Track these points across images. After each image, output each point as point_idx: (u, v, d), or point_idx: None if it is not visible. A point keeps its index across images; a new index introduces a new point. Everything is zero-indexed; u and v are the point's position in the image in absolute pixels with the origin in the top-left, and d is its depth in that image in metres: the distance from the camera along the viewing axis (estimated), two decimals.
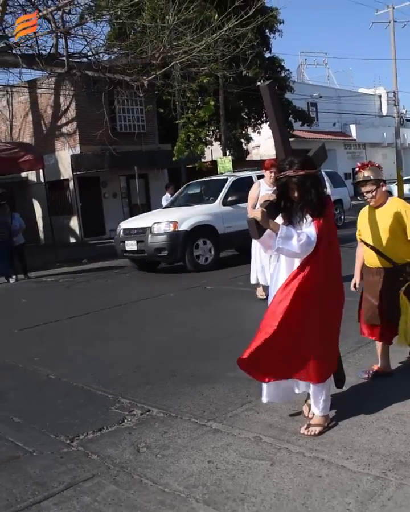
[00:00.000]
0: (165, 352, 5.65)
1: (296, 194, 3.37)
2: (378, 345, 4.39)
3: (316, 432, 3.48)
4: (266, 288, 7.79)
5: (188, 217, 11.31)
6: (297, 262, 3.42)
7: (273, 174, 7.58)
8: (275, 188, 7.56)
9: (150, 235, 11.10)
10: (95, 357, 5.71)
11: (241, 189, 11.51)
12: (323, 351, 3.43)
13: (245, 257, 11.43)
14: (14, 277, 12.28)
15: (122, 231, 12.06)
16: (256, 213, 3.28)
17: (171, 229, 11.00)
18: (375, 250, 4.14)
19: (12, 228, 12.33)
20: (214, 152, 26.82)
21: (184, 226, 11.02)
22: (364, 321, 4.33)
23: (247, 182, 11.80)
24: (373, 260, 4.24)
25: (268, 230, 3.33)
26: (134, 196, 21.84)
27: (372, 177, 4.07)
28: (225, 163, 20.30)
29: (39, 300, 9.70)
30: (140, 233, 11.41)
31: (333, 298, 3.48)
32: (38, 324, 7.41)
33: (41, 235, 21.58)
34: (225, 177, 12.50)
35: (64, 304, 8.97)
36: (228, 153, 22.39)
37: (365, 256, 4.34)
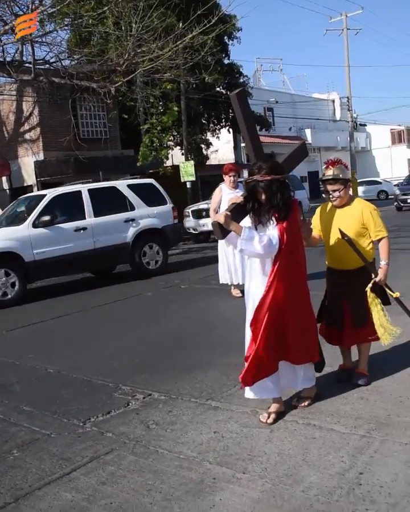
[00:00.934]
0: (156, 346, 6.03)
1: (263, 198, 3.58)
2: (341, 349, 4.46)
3: (306, 404, 3.94)
4: (238, 286, 8.25)
5: None
6: (268, 260, 3.67)
7: (232, 178, 7.99)
8: (236, 190, 8.03)
9: None
10: (87, 353, 6.05)
11: (64, 206, 10.40)
12: (302, 340, 3.77)
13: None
14: None
15: None
16: (219, 217, 3.51)
17: None
18: (352, 245, 4.02)
19: None
20: (174, 157, 27.24)
21: None
22: (325, 325, 4.34)
23: (73, 199, 10.47)
24: (339, 263, 4.20)
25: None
26: None
27: (341, 175, 4.06)
28: (188, 168, 20.75)
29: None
30: None
31: (301, 295, 3.77)
32: (24, 325, 7.69)
33: None
34: (44, 193, 10.73)
35: (44, 306, 9.24)
36: (189, 158, 22.83)
37: (330, 259, 4.28)
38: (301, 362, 3.84)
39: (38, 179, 20.68)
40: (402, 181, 28.16)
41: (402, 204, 23.78)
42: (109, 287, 10.46)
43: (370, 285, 4.06)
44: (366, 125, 45.40)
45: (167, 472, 3.21)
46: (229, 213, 3.53)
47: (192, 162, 21.13)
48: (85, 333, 7.05)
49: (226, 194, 8.01)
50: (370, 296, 4.07)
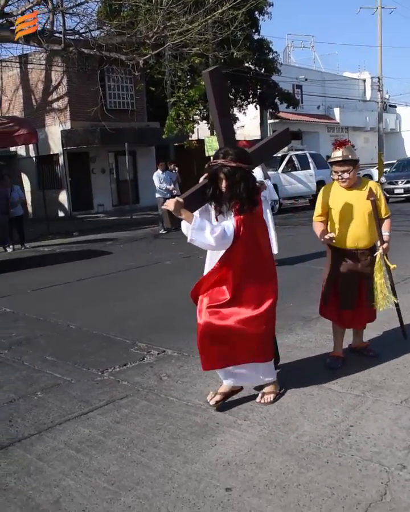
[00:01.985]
0: (172, 309, 6.37)
1: (224, 185, 3.35)
2: (339, 331, 4.38)
3: (271, 399, 3.69)
4: None
5: None
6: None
7: None
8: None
9: None
10: (107, 312, 6.40)
11: None
12: (251, 339, 3.46)
13: None
14: (11, 246, 12.87)
15: None
16: (169, 203, 3.26)
17: None
18: (375, 208, 4.00)
19: (11, 200, 12.86)
20: (200, 130, 27.36)
21: None
22: (336, 307, 4.25)
23: None
24: (356, 242, 4.13)
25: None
26: (121, 172, 22.40)
27: (350, 156, 4.01)
28: (213, 142, 20.84)
29: (42, 266, 10.34)
30: None
31: (257, 291, 3.47)
32: (48, 286, 8.08)
33: (30, 208, 22.04)
34: None
35: (67, 269, 9.64)
36: (215, 132, 22.96)
37: (344, 240, 4.14)
38: (262, 359, 3.56)
39: (64, 148, 21.03)
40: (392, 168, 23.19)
41: (388, 195, 19.40)
42: (132, 254, 10.81)
43: (379, 251, 4.11)
44: (396, 106, 44.88)
45: (176, 416, 3.55)
46: (181, 200, 3.30)
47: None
48: (106, 294, 7.40)
49: None
50: (378, 262, 4.11)
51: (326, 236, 4.02)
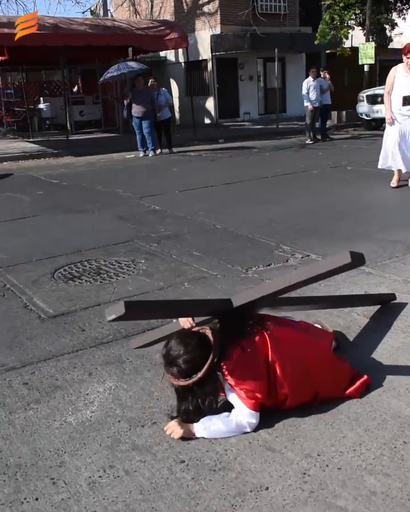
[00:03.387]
0: (317, 216, 6.31)
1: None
2: None
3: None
4: (400, 174, 8.02)
5: None
6: None
7: None
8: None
9: None
10: (252, 215, 6.47)
11: None
12: None
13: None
14: (160, 150, 13.20)
15: None
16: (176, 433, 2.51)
17: None
18: None
19: (157, 103, 13.00)
20: (354, 38, 25.64)
21: None
22: None
23: None
24: None
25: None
26: (270, 80, 21.81)
27: None
28: (367, 50, 19.53)
29: (188, 169, 10.60)
30: None
31: None
32: (195, 188, 8.29)
33: (177, 115, 22.30)
34: None
35: (213, 173, 9.81)
36: (370, 39, 21.40)
37: None
38: None
39: (213, 54, 20.74)
40: None
41: None
42: (278, 163, 10.72)
43: None
44: None
45: (317, 315, 3.59)
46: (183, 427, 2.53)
47: (372, 44, 19.83)
48: (251, 198, 7.47)
49: (400, 77, 7.59)
50: None
51: None
